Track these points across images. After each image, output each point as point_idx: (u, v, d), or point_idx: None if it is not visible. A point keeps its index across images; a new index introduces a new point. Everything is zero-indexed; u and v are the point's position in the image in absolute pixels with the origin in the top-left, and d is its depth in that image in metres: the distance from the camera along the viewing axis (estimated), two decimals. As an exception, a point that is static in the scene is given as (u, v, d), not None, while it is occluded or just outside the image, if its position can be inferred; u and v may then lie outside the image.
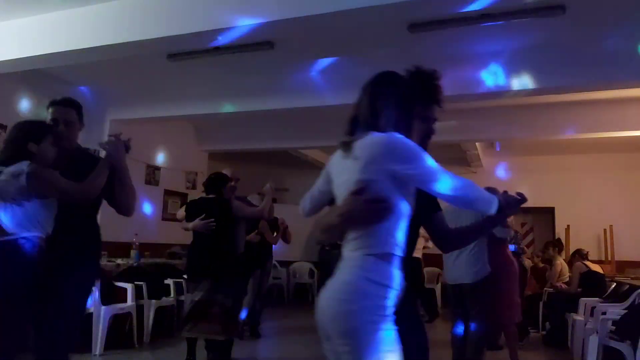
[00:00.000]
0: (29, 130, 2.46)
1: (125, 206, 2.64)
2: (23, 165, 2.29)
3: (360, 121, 1.64)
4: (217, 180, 4.53)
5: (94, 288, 2.50)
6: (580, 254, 6.37)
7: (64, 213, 2.40)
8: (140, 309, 5.27)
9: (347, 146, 1.62)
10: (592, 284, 5.82)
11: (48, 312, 2.33)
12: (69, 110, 2.64)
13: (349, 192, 1.52)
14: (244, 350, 5.26)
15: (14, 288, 2.24)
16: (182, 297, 5.95)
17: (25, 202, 2.29)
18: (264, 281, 6.13)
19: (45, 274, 2.30)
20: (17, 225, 2.29)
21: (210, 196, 4.46)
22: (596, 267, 6.13)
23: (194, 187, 8.68)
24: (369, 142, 1.57)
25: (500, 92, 5.32)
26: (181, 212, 4.71)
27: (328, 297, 1.52)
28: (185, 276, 4.78)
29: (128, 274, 5.56)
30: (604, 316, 4.24)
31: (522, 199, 1.70)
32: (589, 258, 6.60)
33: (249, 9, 3.85)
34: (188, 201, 4.49)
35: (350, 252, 1.54)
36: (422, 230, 1.97)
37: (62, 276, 2.34)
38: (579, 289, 5.87)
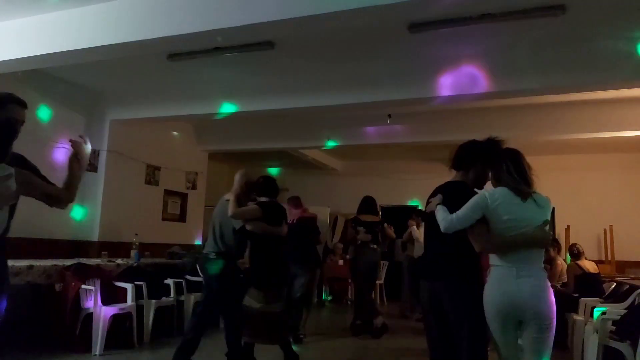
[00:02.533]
0: (6, 131, 2.42)
1: (70, 201, 2.62)
2: (5, 169, 2.24)
3: (524, 178, 2.59)
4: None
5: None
6: (572, 253, 6.35)
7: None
8: (140, 309, 5.27)
9: (527, 195, 2.55)
10: (587, 285, 5.81)
11: None
12: (25, 111, 2.64)
13: (540, 225, 2.53)
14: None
15: None
16: (182, 297, 5.95)
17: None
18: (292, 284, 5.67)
19: None
20: None
21: (277, 201, 4.45)
22: (591, 267, 6.12)
23: (194, 187, 8.68)
24: (545, 199, 2.60)
25: (500, 92, 5.32)
26: (245, 210, 4.20)
27: (538, 298, 2.51)
28: (255, 284, 4.28)
29: (128, 274, 5.55)
30: (604, 316, 4.23)
31: None
32: (589, 258, 6.59)
33: (249, 9, 3.85)
34: (257, 202, 4.31)
35: (536, 264, 2.56)
36: None
37: None
38: (575, 294, 5.86)
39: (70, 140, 2.60)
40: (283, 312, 4.32)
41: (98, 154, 6.87)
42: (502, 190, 2.58)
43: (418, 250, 7.27)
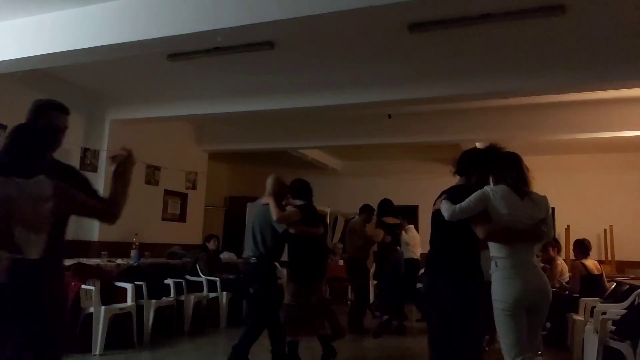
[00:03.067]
0: (44, 139, 2.23)
1: (115, 217, 2.35)
2: (44, 183, 2.05)
3: (522, 178, 2.82)
4: None
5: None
6: (581, 248, 6.32)
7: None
8: (140, 309, 5.27)
9: (525, 193, 2.78)
10: (591, 286, 5.81)
11: None
12: (67, 117, 2.47)
13: (538, 222, 2.77)
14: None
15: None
16: (182, 297, 5.96)
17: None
18: None
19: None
20: (34, 243, 2.02)
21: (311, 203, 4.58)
22: (595, 267, 6.11)
23: (194, 187, 8.69)
24: (541, 197, 2.84)
25: (500, 92, 5.32)
26: (289, 214, 4.36)
27: (545, 284, 2.75)
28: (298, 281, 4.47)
29: (128, 274, 5.55)
30: (604, 316, 4.23)
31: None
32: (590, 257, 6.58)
33: (249, 9, 3.85)
34: (299, 205, 4.44)
35: (534, 257, 2.81)
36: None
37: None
38: (576, 294, 5.85)
39: (111, 157, 2.37)
40: (319, 305, 4.59)
41: (98, 154, 6.88)
42: (502, 187, 2.81)
43: (405, 252, 7.35)
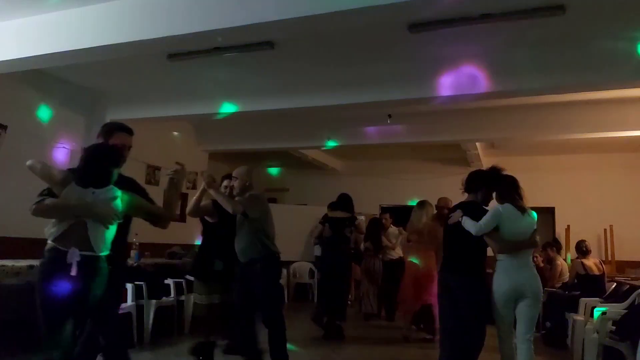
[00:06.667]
0: (114, 157, 2.77)
1: (171, 219, 3.02)
2: (113, 191, 2.66)
3: (522, 197, 3.55)
4: None
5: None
6: (579, 249, 6.34)
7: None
8: (140, 309, 5.27)
9: (524, 210, 3.51)
10: (589, 286, 5.81)
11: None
12: (131, 138, 2.99)
13: (533, 231, 3.53)
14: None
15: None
16: (182, 297, 5.96)
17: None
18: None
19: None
20: (103, 243, 2.61)
21: None
22: (595, 267, 6.11)
23: (194, 187, 8.67)
24: (534, 213, 3.55)
25: (500, 92, 5.32)
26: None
27: (536, 279, 3.46)
28: None
29: (128, 274, 5.54)
30: (604, 316, 4.23)
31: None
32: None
33: (249, 9, 3.85)
34: None
35: (529, 257, 3.55)
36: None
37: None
38: (576, 292, 5.85)
39: (175, 171, 3.03)
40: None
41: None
42: (508, 205, 3.52)
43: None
